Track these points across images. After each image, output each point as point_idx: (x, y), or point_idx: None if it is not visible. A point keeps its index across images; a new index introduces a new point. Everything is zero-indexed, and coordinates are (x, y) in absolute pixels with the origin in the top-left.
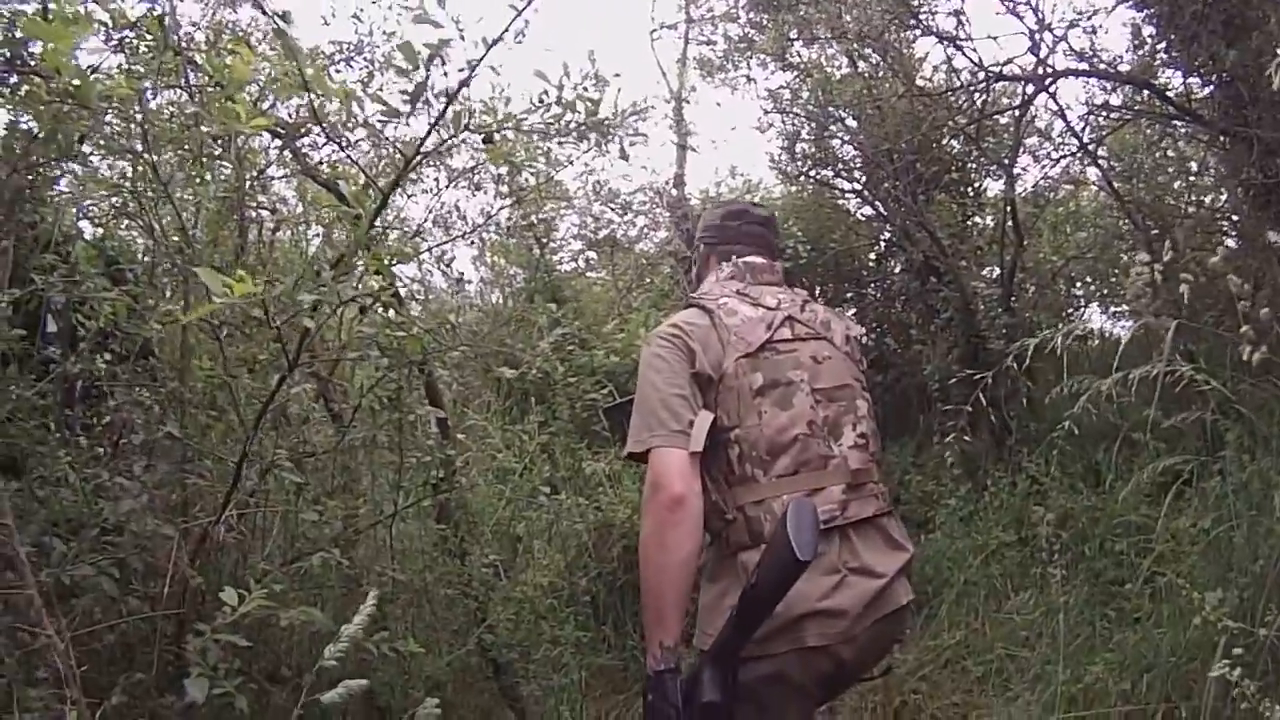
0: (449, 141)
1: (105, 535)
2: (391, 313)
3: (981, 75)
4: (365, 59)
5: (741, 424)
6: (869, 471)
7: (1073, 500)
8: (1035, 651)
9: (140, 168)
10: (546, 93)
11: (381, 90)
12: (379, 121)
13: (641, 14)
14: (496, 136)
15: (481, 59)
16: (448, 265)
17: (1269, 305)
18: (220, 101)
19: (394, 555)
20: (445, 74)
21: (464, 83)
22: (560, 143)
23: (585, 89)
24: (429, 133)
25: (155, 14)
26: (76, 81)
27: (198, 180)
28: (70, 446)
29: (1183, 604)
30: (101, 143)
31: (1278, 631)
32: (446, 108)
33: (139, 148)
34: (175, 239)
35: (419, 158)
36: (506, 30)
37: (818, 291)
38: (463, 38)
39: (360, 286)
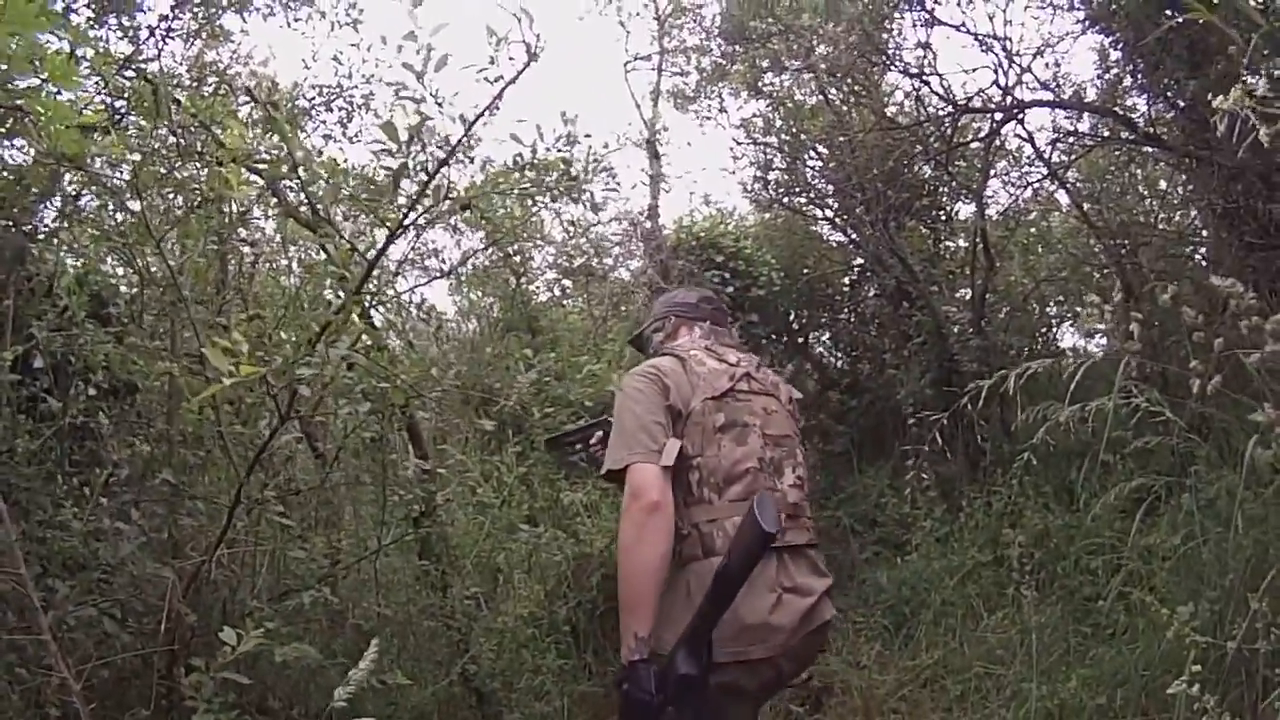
0: (429, 211)
1: (102, 575)
2: (377, 359)
3: (949, 108)
4: (345, 101)
5: (703, 454)
6: (803, 507)
7: (1046, 519)
8: (1011, 669)
9: (128, 215)
10: (521, 155)
11: (360, 135)
12: (365, 198)
13: (615, 47)
14: (474, 202)
15: (461, 139)
16: (426, 313)
17: (1221, 336)
18: (210, 156)
19: (378, 589)
20: (425, 152)
21: (444, 161)
22: (536, 203)
23: (558, 149)
24: (410, 208)
25: (148, 77)
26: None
27: (185, 234)
28: (67, 488)
29: (1155, 619)
30: (93, 188)
31: (1245, 644)
32: (427, 185)
33: (127, 196)
34: (162, 284)
35: (401, 230)
36: (482, 113)
37: (792, 317)
38: (441, 111)
39: (349, 347)
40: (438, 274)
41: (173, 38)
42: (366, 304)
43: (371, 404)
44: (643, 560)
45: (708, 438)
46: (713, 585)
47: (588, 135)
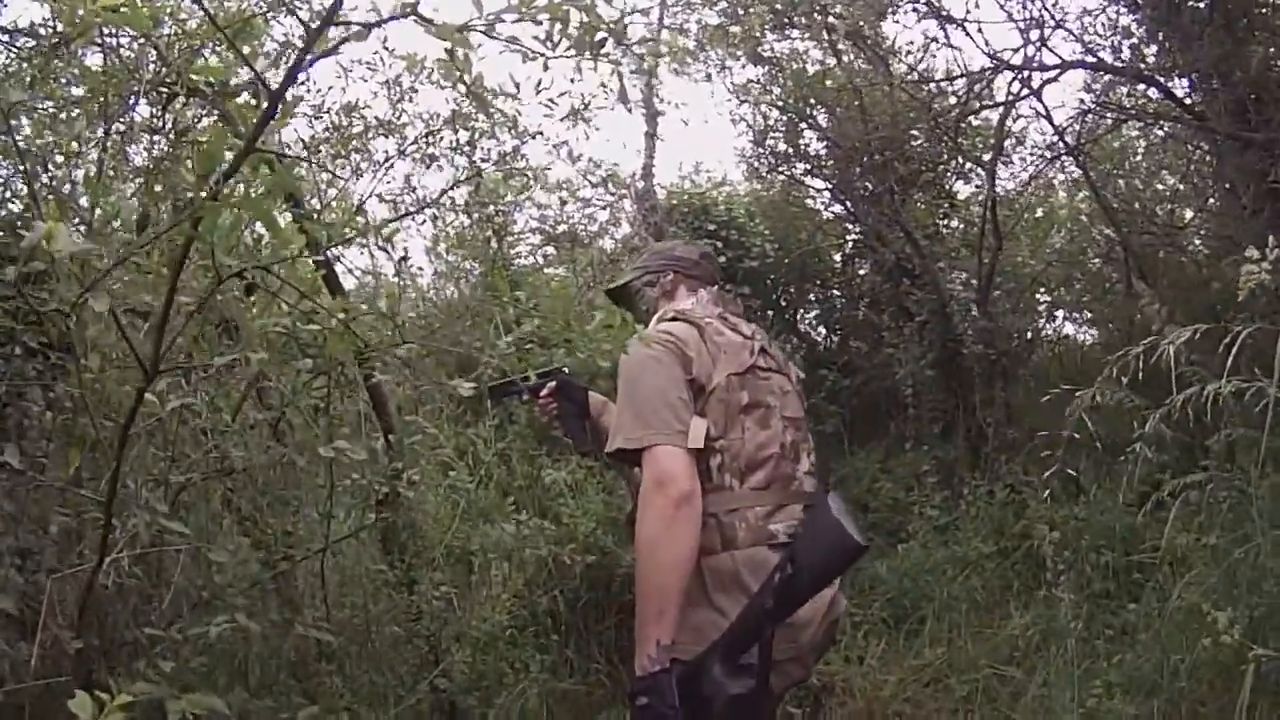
0: (396, 14)
1: None
2: (323, 300)
3: (989, 64)
4: None
5: (726, 435)
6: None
7: (1054, 511)
8: (1036, 674)
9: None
10: None
11: None
12: None
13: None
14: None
15: None
16: (388, 240)
17: None
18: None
19: (326, 594)
20: None
21: None
22: (546, 60)
23: None
24: None
25: None
26: None
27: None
28: None
29: (1182, 621)
30: None
31: None
32: None
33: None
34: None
35: (341, 25)
36: None
37: (781, 291)
38: None
39: (259, 248)
40: (409, 212)
41: None
42: (319, 237)
43: (314, 361)
44: (670, 558)
45: (731, 418)
46: (778, 594)
47: None
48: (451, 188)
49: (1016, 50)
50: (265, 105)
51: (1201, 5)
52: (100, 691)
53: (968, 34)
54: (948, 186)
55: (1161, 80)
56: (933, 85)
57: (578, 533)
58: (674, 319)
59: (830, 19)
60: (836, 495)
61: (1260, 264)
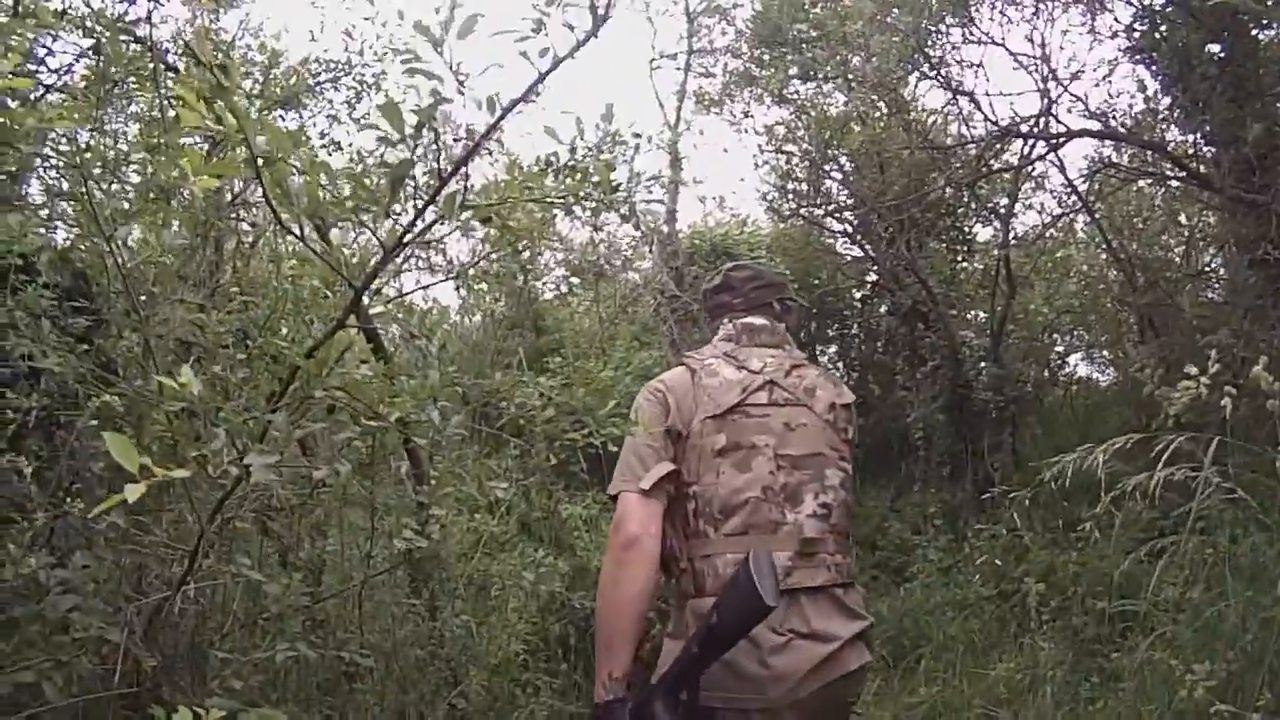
0: (440, 227)
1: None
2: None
3: (996, 129)
4: (355, 79)
5: (700, 481)
6: (824, 541)
7: (1053, 556)
8: (1019, 717)
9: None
10: (556, 155)
11: (368, 118)
12: (353, 206)
13: (638, 43)
14: (498, 213)
15: (488, 132)
16: (430, 332)
17: None
18: (164, 146)
19: (362, 624)
20: (439, 143)
21: (463, 160)
22: (570, 212)
23: (600, 150)
24: (415, 218)
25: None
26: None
27: (149, 223)
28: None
29: (1164, 671)
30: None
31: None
32: (439, 191)
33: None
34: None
35: (399, 247)
36: (522, 98)
37: (800, 328)
38: (462, 92)
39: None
40: (444, 276)
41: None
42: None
43: (363, 429)
44: (618, 598)
45: (705, 463)
46: (702, 639)
47: (637, 136)
48: (484, 257)
49: (1030, 119)
50: (353, 295)
51: (1213, 63)
52: (168, 705)
53: (978, 106)
54: (966, 230)
55: (1167, 145)
56: (948, 149)
57: (590, 565)
58: (680, 365)
59: (853, 74)
60: (761, 556)
61: (1199, 379)
